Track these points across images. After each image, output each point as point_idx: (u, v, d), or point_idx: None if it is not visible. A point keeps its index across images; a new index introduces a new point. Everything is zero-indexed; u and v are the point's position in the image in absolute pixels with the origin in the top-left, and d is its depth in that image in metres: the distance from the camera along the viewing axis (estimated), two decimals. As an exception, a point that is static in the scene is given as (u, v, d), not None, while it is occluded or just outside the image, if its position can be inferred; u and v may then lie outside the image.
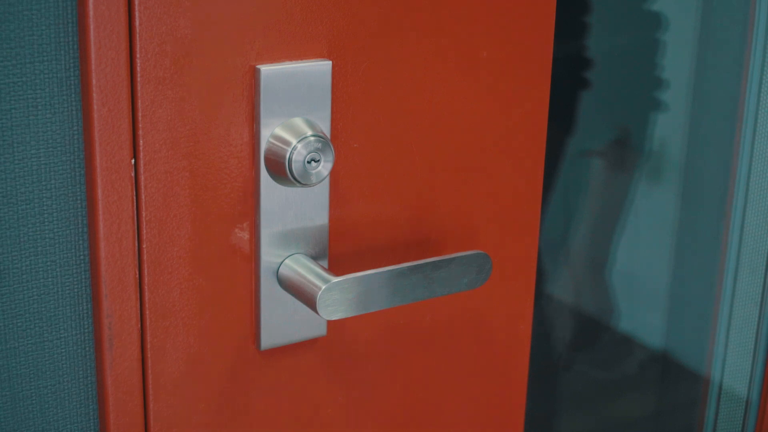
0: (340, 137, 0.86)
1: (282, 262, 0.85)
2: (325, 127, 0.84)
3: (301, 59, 0.82)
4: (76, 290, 0.80)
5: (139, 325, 0.81)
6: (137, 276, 0.80)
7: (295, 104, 0.82)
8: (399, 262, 0.85)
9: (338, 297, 0.80)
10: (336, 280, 0.80)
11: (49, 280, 0.79)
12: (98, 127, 0.75)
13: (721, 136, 1.47)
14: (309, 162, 0.80)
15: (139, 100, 0.76)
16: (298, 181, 0.81)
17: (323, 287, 0.80)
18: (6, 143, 0.75)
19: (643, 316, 1.63)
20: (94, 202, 0.77)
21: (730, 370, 1.51)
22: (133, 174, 0.78)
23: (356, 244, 0.89)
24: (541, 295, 1.57)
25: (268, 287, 0.85)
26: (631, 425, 1.66)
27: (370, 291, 0.82)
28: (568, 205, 1.59)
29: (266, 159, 0.82)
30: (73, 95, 0.76)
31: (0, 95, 0.74)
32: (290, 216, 0.84)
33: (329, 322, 0.90)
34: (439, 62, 0.89)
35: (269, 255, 0.84)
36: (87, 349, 0.82)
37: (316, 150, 0.80)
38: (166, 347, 0.82)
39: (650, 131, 1.56)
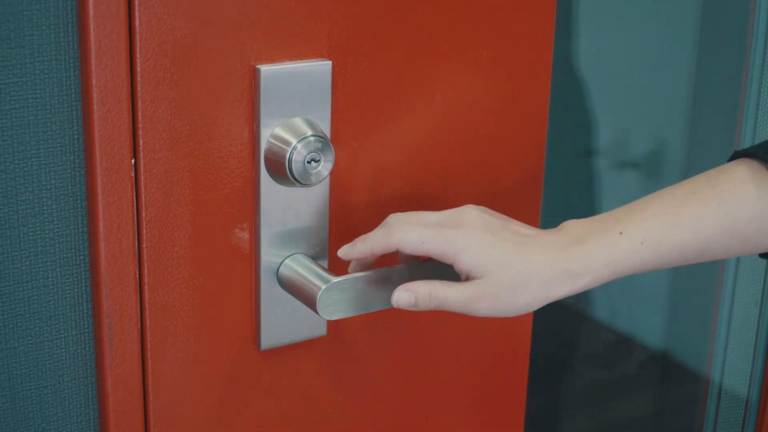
0: (340, 137, 0.86)
1: (282, 262, 0.85)
2: (325, 127, 0.84)
3: (301, 59, 0.82)
4: (76, 290, 0.80)
5: (139, 325, 0.81)
6: (137, 276, 0.80)
7: (295, 104, 0.82)
8: (399, 262, 0.85)
9: (338, 297, 0.80)
10: (336, 280, 0.80)
11: (49, 280, 0.79)
12: (98, 127, 0.75)
13: (721, 136, 1.47)
14: (309, 162, 0.80)
15: (139, 100, 0.76)
16: (298, 181, 0.81)
17: (323, 287, 0.80)
18: (6, 143, 0.75)
19: (643, 316, 1.63)
20: (94, 202, 0.77)
21: (730, 370, 1.51)
22: (133, 174, 0.78)
23: (356, 244, 0.89)
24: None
25: (268, 287, 0.85)
26: (631, 425, 1.66)
27: (370, 291, 0.82)
28: (568, 205, 1.59)
29: (266, 159, 0.82)
30: (73, 95, 0.76)
31: (0, 95, 0.74)
32: (290, 216, 0.84)
33: (329, 322, 0.90)
34: (439, 62, 0.89)
35: (269, 255, 0.84)
36: (87, 349, 0.82)
37: (316, 150, 0.80)
38: (166, 347, 0.82)
39: (650, 131, 1.56)
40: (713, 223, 0.77)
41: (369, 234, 0.81)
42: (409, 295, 0.79)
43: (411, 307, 0.79)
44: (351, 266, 0.85)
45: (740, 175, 0.78)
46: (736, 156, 0.80)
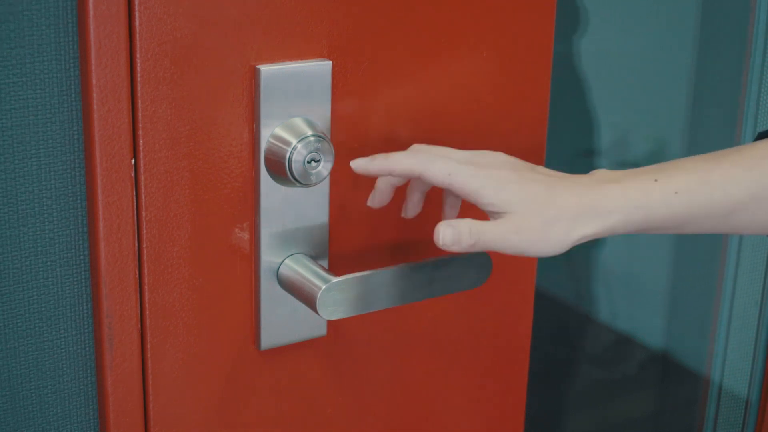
0: (340, 137, 0.86)
1: (282, 262, 0.85)
2: (325, 127, 0.84)
3: (301, 59, 0.82)
4: (76, 290, 0.80)
5: (139, 325, 0.81)
6: (137, 276, 0.80)
7: (295, 104, 0.82)
8: (399, 262, 0.85)
9: (338, 297, 0.80)
10: (336, 280, 0.80)
11: (49, 280, 0.79)
12: (98, 127, 0.75)
13: (721, 137, 1.47)
14: (309, 162, 0.80)
15: (139, 100, 0.76)
16: (298, 181, 0.81)
17: (323, 287, 0.80)
18: (6, 143, 0.75)
19: (643, 317, 1.63)
20: (94, 202, 0.77)
21: (730, 370, 1.51)
22: (133, 174, 0.78)
23: (356, 244, 0.89)
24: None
25: (268, 287, 0.85)
26: (631, 425, 1.66)
27: (370, 291, 0.82)
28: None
29: (266, 159, 0.82)
30: (73, 95, 0.76)
31: (0, 95, 0.74)
32: (290, 216, 0.84)
33: (329, 322, 0.90)
34: (439, 62, 0.89)
35: (269, 255, 0.84)
36: (87, 349, 0.82)
37: (316, 150, 0.80)
38: (166, 347, 0.82)
39: (650, 131, 1.56)
40: (743, 186, 0.76)
41: (393, 153, 0.78)
42: (453, 230, 0.76)
43: (454, 245, 0.76)
44: (371, 196, 0.84)
45: None
46: (760, 137, 0.80)
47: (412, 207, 0.87)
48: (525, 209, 0.76)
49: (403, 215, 0.88)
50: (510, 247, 0.76)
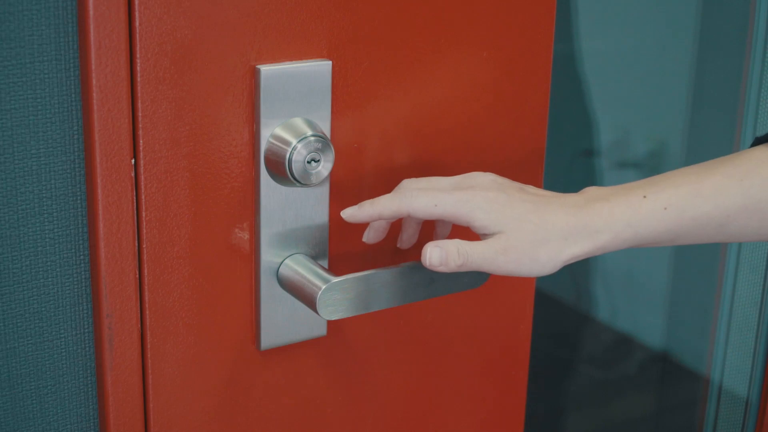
0: (340, 137, 0.86)
1: (282, 262, 0.85)
2: (325, 127, 0.84)
3: (301, 59, 0.82)
4: (76, 290, 0.80)
5: (139, 325, 0.81)
6: (137, 276, 0.80)
7: (295, 104, 0.82)
8: (399, 262, 0.85)
9: (338, 297, 0.80)
10: (336, 280, 0.80)
11: (49, 280, 0.79)
12: (98, 127, 0.75)
13: (721, 136, 1.47)
14: (309, 162, 0.80)
15: (139, 100, 0.76)
16: (298, 181, 0.81)
17: (323, 287, 0.80)
18: (6, 143, 0.75)
19: (643, 316, 1.63)
20: (94, 202, 0.77)
21: (730, 370, 1.51)
22: (133, 174, 0.78)
23: (356, 244, 0.89)
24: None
25: (268, 287, 0.85)
26: (631, 425, 1.66)
27: (370, 291, 0.82)
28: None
29: (266, 159, 0.82)
30: (73, 95, 0.76)
31: (0, 95, 0.74)
32: (290, 216, 0.84)
33: (329, 322, 0.90)
34: (439, 62, 0.89)
35: (269, 255, 0.84)
36: (87, 349, 0.82)
37: (316, 150, 0.80)
38: (166, 347, 0.82)
39: (650, 131, 1.56)
40: (735, 197, 0.76)
41: (378, 198, 0.80)
42: (440, 251, 0.77)
43: (441, 266, 0.77)
44: (365, 233, 0.85)
45: (762, 157, 0.77)
46: (756, 143, 0.80)
47: (408, 239, 0.89)
48: (515, 230, 0.76)
49: (399, 246, 0.89)
50: (498, 267, 0.77)
